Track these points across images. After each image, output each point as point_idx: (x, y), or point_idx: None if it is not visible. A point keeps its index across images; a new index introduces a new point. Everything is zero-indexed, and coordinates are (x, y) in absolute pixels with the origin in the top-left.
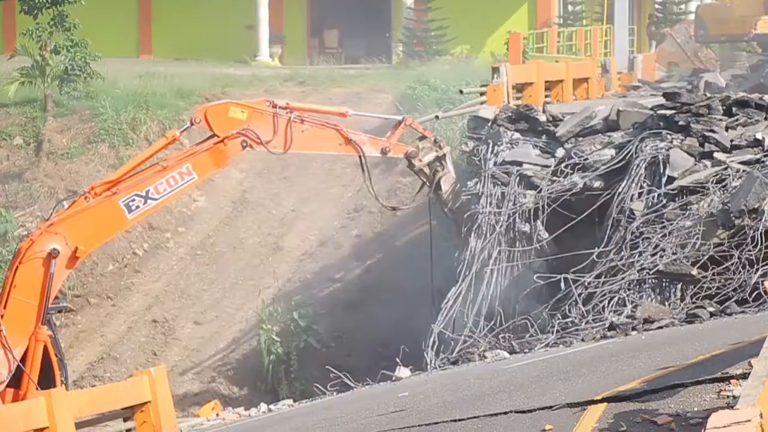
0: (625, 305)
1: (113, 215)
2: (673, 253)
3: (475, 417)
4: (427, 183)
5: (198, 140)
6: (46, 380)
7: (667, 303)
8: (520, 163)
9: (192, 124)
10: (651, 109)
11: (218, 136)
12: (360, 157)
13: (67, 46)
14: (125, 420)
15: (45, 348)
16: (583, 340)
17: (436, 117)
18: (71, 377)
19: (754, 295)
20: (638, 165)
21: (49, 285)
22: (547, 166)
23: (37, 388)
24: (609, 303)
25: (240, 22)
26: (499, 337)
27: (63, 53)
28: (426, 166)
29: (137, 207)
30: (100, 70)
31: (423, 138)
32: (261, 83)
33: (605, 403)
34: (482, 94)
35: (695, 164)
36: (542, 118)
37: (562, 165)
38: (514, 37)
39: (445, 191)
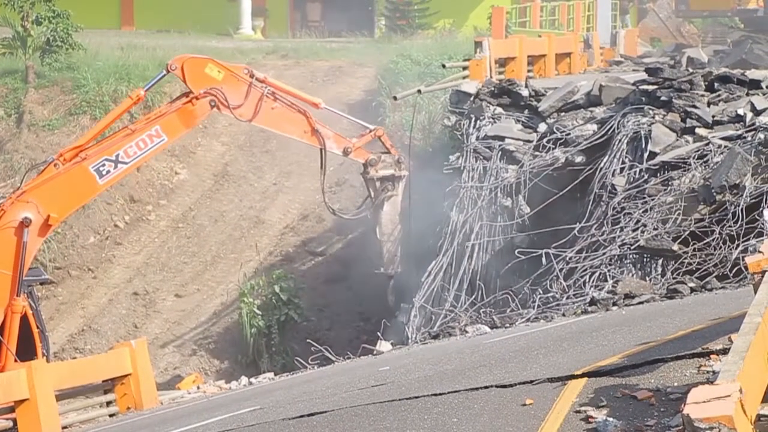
0: (606, 280)
1: (84, 181)
2: (655, 229)
3: (455, 391)
4: (372, 196)
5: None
6: (27, 352)
7: (647, 278)
8: (502, 138)
9: (168, 70)
10: (633, 84)
11: (189, 92)
12: (321, 150)
13: (49, 17)
14: (106, 392)
15: (26, 320)
16: (564, 315)
17: (419, 91)
18: (52, 349)
19: (734, 271)
20: (620, 140)
21: (23, 254)
22: (529, 141)
23: (16, 360)
24: (590, 278)
25: None
26: (481, 311)
27: (45, 24)
28: (379, 180)
29: (108, 172)
30: (82, 42)
31: (387, 153)
32: (243, 56)
33: (585, 378)
34: (465, 68)
35: (677, 140)
36: (525, 92)
37: (544, 140)
38: (497, 12)
39: (385, 212)
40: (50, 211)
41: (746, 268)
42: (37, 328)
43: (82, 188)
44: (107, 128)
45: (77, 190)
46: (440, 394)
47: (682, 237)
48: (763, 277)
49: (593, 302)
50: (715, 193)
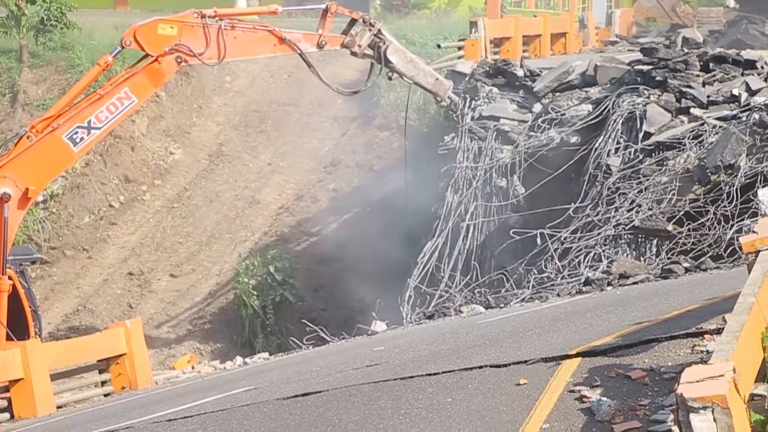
0: (600, 260)
1: (59, 151)
2: (649, 209)
3: (449, 371)
4: (376, 62)
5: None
6: (20, 331)
7: (642, 258)
8: (497, 118)
9: (123, 47)
10: (628, 64)
11: (152, 56)
12: (300, 54)
13: None
14: (100, 372)
15: (18, 299)
16: (558, 295)
17: None
18: (47, 329)
19: (729, 251)
20: (615, 120)
21: (5, 229)
22: (524, 121)
23: (12, 339)
24: (585, 258)
25: None
26: (475, 291)
27: (39, 3)
28: (367, 48)
29: (82, 139)
30: (77, 21)
31: (353, 22)
32: None
33: (580, 358)
34: (460, 48)
35: (672, 120)
36: (520, 72)
37: (539, 120)
38: None
39: (396, 62)
40: (28, 184)
41: (740, 248)
42: (30, 307)
43: (57, 158)
44: (78, 96)
45: (53, 160)
46: (434, 374)
47: (677, 217)
48: (757, 257)
49: (588, 282)
50: (709, 174)
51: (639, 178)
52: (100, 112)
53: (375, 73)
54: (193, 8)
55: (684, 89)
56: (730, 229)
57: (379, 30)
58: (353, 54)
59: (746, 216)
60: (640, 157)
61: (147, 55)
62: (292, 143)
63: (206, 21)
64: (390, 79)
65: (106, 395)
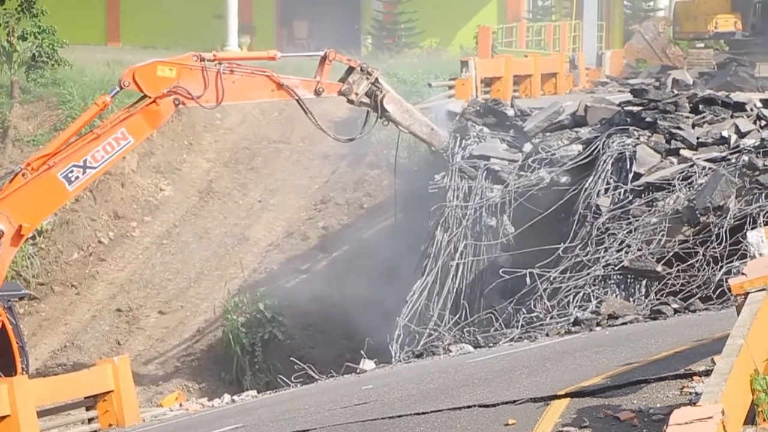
0: (589, 301)
1: (54, 189)
2: (639, 250)
3: (438, 410)
4: (372, 110)
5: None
6: (7, 367)
7: (631, 299)
8: (487, 158)
9: (121, 87)
10: (618, 105)
11: (149, 97)
12: (297, 100)
13: (35, 33)
14: (88, 409)
15: (6, 335)
16: (547, 335)
17: None
18: (34, 365)
19: (717, 293)
20: (605, 161)
21: None
22: (515, 161)
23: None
24: (574, 298)
25: (209, 11)
26: (464, 330)
27: (30, 39)
28: (364, 96)
29: (77, 178)
30: (68, 58)
31: (351, 70)
32: None
33: (568, 398)
34: (451, 87)
35: (661, 161)
36: (510, 112)
37: (530, 160)
38: (484, 31)
39: (392, 111)
40: (22, 221)
41: (729, 289)
42: (17, 343)
43: (52, 196)
44: (74, 135)
45: (47, 198)
46: (423, 413)
47: (666, 258)
48: (746, 299)
49: (577, 322)
50: (699, 215)
51: (628, 218)
52: (96, 152)
53: (371, 120)
54: (185, 45)
55: (674, 130)
56: (719, 270)
57: (377, 79)
58: (350, 102)
59: (735, 258)
60: (630, 197)
61: (144, 96)
62: (282, 180)
63: (205, 64)
64: (384, 124)
65: None
